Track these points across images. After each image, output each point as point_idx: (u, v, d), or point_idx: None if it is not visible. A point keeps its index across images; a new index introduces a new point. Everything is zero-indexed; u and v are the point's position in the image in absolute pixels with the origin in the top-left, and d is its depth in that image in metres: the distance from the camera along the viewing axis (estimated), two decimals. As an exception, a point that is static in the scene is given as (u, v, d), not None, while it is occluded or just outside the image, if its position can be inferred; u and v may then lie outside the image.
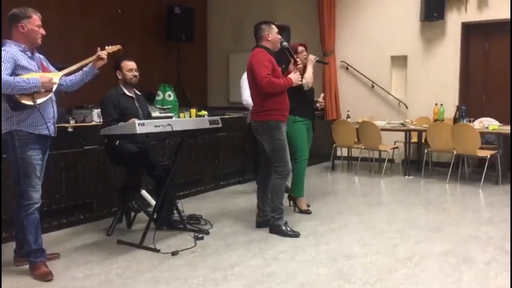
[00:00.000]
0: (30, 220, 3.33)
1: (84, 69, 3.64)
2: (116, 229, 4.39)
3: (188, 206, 4.88)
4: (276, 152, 4.26)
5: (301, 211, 5.08)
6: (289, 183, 4.78)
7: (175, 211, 4.42)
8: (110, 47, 3.76)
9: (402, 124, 7.30)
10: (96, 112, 4.95)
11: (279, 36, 4.37)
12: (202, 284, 3.28)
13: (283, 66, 4.70)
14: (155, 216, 4.21)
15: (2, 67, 3.14)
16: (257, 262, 3.67)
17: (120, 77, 4.35)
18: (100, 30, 6.86)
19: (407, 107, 8.17)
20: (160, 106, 5.87)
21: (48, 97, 3.35)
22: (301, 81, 4.45)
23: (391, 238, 4.25)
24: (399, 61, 8.30)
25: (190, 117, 6.02)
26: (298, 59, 4.57)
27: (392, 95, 8.31)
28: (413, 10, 7.91)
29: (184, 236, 4.22)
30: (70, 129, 4.60)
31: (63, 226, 4.52)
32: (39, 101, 3.28)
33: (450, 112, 7.16)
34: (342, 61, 8.65)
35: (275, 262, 3.67)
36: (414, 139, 7.46)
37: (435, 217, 4.95)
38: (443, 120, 6.98)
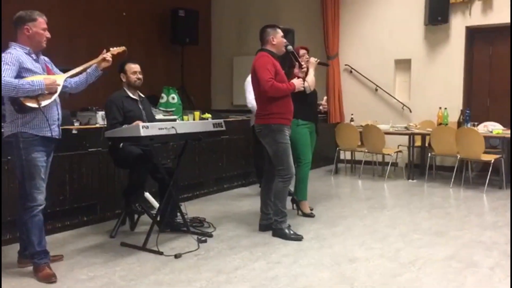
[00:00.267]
0: (34, 222, 3.34)
1: (88, 70, 3.66)
2: (119, 231, 4.40)
3: (191, 208, 4.89)
4: (279, 156, 4.26)
5: (304, 215, 5.08)
6: (292, 186, 4.77)
7: (178, 214, 4.42)
8: (114, 48, 3.77)
9: (405, 127, 7.29)
10: (100, 114, 4.96)
11: (284, 40, 4.37)
12: (205, 287, 3.28)
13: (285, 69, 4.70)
14: (158, 219, 4.22)
15: (7, 70, 3.16)
16: (260, 266, 3.67)
17: (124, 80, 4.36)
18: (105, 33, 6.91)
19: (410, 111, 8.16)
20: (164, 109, 5.88)
21: (52, 99, 3.37)
22: (304, 86, 4.45)
23: (395, 242, 4.24)
24: (403, 64, 8.29)
25: (194, 119, 6.03)
26: (303, 63, 4.58)
27: (396, 99, 8.31)
28: (417, 13, 7.91)
29: (187, 239, 4.22)
30: (74, 131, 4.62)
31: (67, 228, 4.52)
32: (43, 103, 3.29)
33: (454, 116, 7.15)
34: (346, 65, 8.65)
35: (278, 266, 3.66)
36: (418, 142, 7.45)
37: (439, 221, 4.94)
38: (447, 124, 6.97)
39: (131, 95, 4.37)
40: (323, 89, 8.05)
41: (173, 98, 6.08)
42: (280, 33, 4.33)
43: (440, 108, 7.17)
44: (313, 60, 4.86)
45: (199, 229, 4.49)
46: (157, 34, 8.27)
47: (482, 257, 3.85)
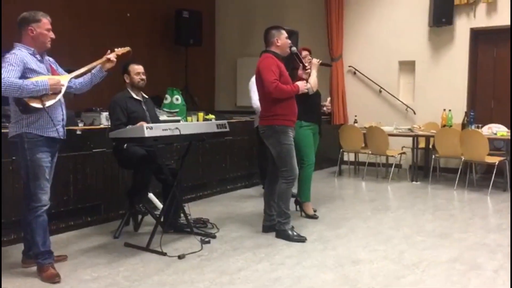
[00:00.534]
0: (38, 222, 3.35)
1: (93, 71, 3.67)
2: (123, 232, 4.41)
3: (195, 209, 4.89)
4: (283, 157, 4.26)
5: (308, 216, 5.07)
6: (295, 188, 4.77)
7: (182, 215, 4.43)
8: (119, 49, 3.78)
9: (409, 129, 7.27)
10: (104, 115, 4.98)
11: (289, 41, 4.38)
12: (208, 287, 3.29)
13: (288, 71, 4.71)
14: (162, 219, 4.23)
15: (11, 70, 3.17)
16: (263, 267, 3.67)
17: (127, 81, 4.37)
18: (109, 33, 6.93)
19: (414, 113, 8.14)
20: (167, 110, 5.90)
21: (57, 99, 3.38)
22: (307, 87, 4.45)
23: (398, 244, 4.23)
24: (407, 66, 8.28)
25: (198, 120, 6.04)
26: (307, 64, 4.58)
27: (400, 100, 8.29)
28: (422, 15, 7.89)
29: (190, 240, 4.22)
30: (78, 132, 4.63)
31: (71, 228, 4.54)
32: (48, 103, 3.31)
33: (458, 118, 7.13)
34: (349, 66, 8.64)
35: (281, 267, 3.66)
36: (422, 144, 7.44)
37: (443, 223, 4.93)
38: (451, 126, 6.95)
39: (134, 96, 4.38)
40: (326, 91, 8.04)
41: (177, 99, 6.10)
42: (284, 34, 4.33)
43: (444, 110, 7.15)
44: (315, 61, 4.86)
45: (202, 230, 4.50)
46: (161, 35, 8.29)
47: (486, 259, 3.84)
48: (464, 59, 7.71)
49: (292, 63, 4.69)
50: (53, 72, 3.50)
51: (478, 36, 7.76)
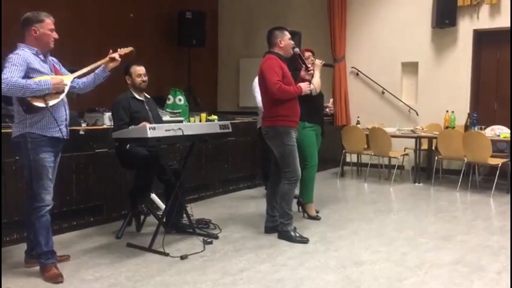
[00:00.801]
0: (42, 222, 3.36)
1: (96, 71, 3.68)
2: (125, 232, 4.41)
3: (197, 210, 4.89)
4: (285, 158, 4.26)
5: (310, 217, 5.07)
6: (297, 189, 4.77)
7: (184, 215, 4.43)
8: (122, 49, 3.79)
9: (412, 130, 7.26)
10: (107, 115, 4.98)
11: (292, 42, 4.37)
12: (210, 288, 3.29)
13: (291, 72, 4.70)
14: (164, 220, 4.23)
15: (14, 71, 3.18)
16: (265, 268, 3.67)
17: (129, 82, 4.39)
18: (112, 34, 6.93)
19: (417, 114, 8.14)
20: (170, 110, 5.90)
21: (60, 99, 3.39)
22: (310, 88, 4.44)
23: (401, 246, 4.22)
24: (410, 67, 8.27)
25: (201, 121, 6.04)
26: (310, 65, 4.58)
27: (403, 102, 8.28)
28: (425, 16, 7.88)
29: (193, 240, 4.22)
30: (81, 132, 4.64)
31: (73, 228, 4.54)
32: (51, 103, 3.31)
33: (461, 119, 7.12)
34: (352, 67, 8.63)
35: (284, 268, 3.66)
36: (425, 146, 7.42)
37: (445, 225, 4.92)
38: (454, 127, 6.94)
39: (137, 96, 4.39)
40: (329, 92, 8.04)
41: (179, 100, 6.09)
42: (287, 35, 4.33)
43: (447, 111, 7.14)
44: (318, 62, 4.86)
45: (205, 231, 4.50)
46: (164, 36, 8.29)
47: (489, 261, 3.83)
48: (467, 61, 7.70)
49: (295, 64, 4.68)
50: (56, 72, 3.51)
51: (481, 37, 7.75)
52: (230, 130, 4.41)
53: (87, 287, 3.31)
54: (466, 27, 7.67)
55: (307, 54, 4.98)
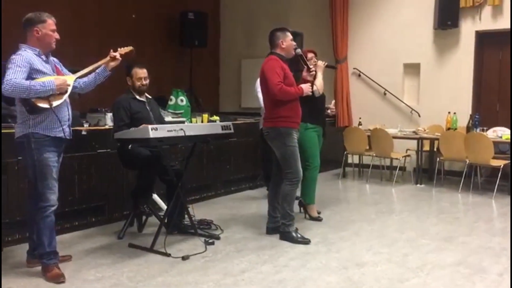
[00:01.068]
0: (46, 223, 3.36)
1: (97, 70, 3.69)
2: (127, 232, 4.42)
3: (199, 211, 4.90)
4: (287, 159, 4.26)
5: (312, 218, 5.07)
6: (299, 190, 4.77)
7: (186, 216, 4.43)
8: (122, 48, 3.79)
9: (414, 132, 7.26)
10: (109, 116, 4.98)
11: (294, 43, 4.38)
12: (212, 289, 3.29)
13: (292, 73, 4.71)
14: (166, 221, 4.23)
15: (18, 72, 3.19)
16: (267, 269, 3.67)
17: (129, 83, 4.40)
18: (114, 35, 6.93)
19: (419, 115, 8.13)
20: (172, 111, 5.90)
21: (63, 99, 3.40)
22: (312, 90, 4.44)
23: (403, 247, 4.22)
24: (412, 68, 8.26)
25: (202, 122, 6.04)
26: (311, 67, 4.58)
27: (405, 103, 8.28)
28: (427, 17, 7.88)
29: (194, 241, 4.23)
30: (84, 133, 4.64)
31: (75, 229, 4.55)
32: (55, 103, 3.33)
33: (463, 120, 7.11)
34: (354, 68, 8.63)
35: (285, 269, 3.66)
36: (426, 147, 7.41)
37: (447, 226, 4.91)
38: (456, 128, 6.94)
39: (138, 97, 4.39)
40: (331, 93, 8.04)
41: (181, 100, 6.10)
42: (289, 36, 4.33)
43: (449, 112, 7.14)
44: (321, 63, 4.87)
45: (206, 231, 4.50)
46: (166, 37, 8.30)
47: (490, 263, 3.83)
48: (469, 62, 7.69)
49: (297, 65, 4.68)
50: (58, 73, 3.52)
51: (483, 39, 7.74)
52: (232, 131, 4.42)
53: (88, 287, 3.31)
54: (468, 28, 7.67)
55: (310, 55, 4.98)
